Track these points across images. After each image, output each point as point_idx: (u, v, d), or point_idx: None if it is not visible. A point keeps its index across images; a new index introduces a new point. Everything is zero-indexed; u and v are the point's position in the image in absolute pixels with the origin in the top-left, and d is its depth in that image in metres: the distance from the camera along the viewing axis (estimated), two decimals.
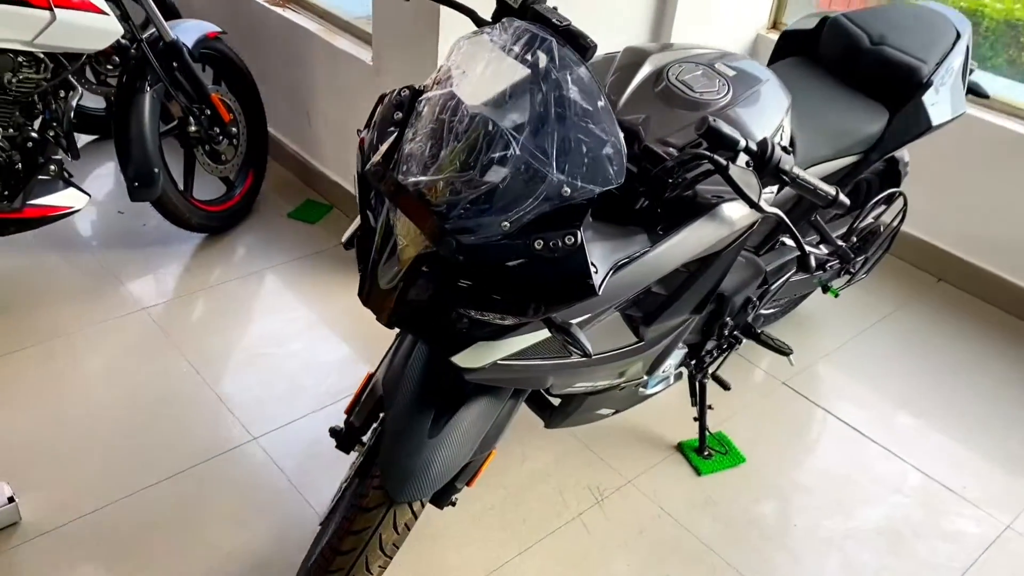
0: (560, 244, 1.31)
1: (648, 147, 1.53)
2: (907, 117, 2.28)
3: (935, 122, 2.27)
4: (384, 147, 1.41)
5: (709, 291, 1.83)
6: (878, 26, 2.36)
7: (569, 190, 1.28)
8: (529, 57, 1.36)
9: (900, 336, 3.08)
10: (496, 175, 1.29)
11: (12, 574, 1.97)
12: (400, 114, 1.43)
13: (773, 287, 2.38)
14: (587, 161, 1.31)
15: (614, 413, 2.24)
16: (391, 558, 1.70)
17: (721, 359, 2.43)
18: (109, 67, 3.08)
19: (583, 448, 2.50)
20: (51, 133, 2.70)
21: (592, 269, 1.32)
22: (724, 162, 1.49)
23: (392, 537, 1.65)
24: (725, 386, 2.44)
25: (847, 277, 2.76)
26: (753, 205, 1.52)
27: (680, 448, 2.53)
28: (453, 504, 1.77)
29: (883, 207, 2.70)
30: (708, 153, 1.51)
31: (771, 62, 2.54)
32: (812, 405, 2.75)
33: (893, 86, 2.30)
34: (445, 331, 1.42)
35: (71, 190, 2.81)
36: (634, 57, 1.82)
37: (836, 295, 2.84)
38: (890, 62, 2.28)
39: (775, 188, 1.83)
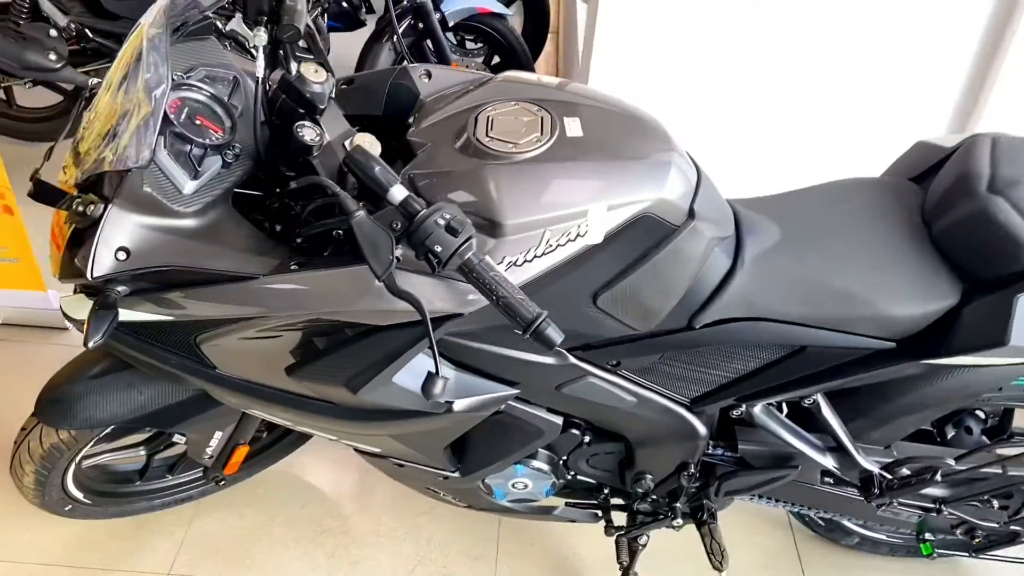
0: (83, 209, 1.18)
1: (349, 156, 1.22)
2: (980, 313, 1.37)
3: (1013, 340, 1.31)
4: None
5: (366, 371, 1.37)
6: (1018, 168, 1.43)
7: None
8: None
9: None
10: None
11: None
12: None
13: (733, 477, 1.68)
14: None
15: (463, 505, 1.85)
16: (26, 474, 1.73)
17: (641, 527, 1.81)
18: None
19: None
20: None
21: (98, 252, 1.16)
22: (353, 207, 1.14)
23: (32, 452, 1.65)
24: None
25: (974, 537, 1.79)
26: (373, 271, 1.14)
27: None
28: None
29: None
30: (325, 182, 1.18)
31: (885, 173, 1.72)
32: None
33: (983, 259, 1.39)
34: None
35: None
36: (494, 85, 1.44)
37: (929, 552, 1.86)
38: (994, 222, 1.37)
39: None
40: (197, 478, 2.01)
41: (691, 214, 1.33)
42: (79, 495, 1.83)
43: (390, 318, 1.26)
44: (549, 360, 1.44)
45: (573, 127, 1.32)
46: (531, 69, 3.37)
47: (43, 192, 1.25)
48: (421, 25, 3.05)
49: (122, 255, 1.19)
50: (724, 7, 2.35)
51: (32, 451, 1.64)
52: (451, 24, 3.12)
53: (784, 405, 1.67)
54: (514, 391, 1.49)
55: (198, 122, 1.30)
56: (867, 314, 1.40)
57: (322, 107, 1.34)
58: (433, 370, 1.16)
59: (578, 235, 1.25)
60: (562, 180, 1.26)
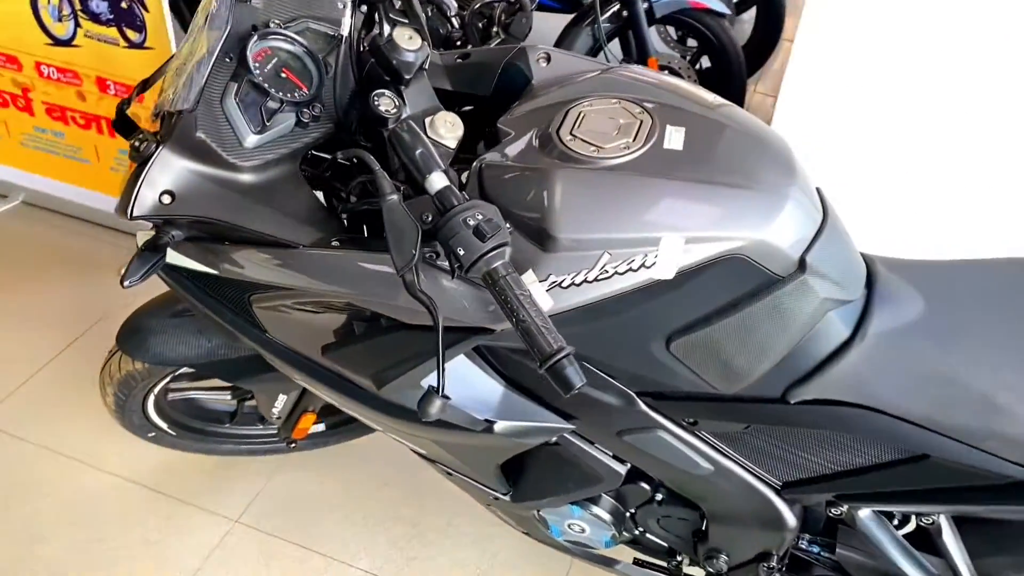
0: (139, 147, 1.16)
1: (394, 132, 1.11)
2: None
3: None
4: None
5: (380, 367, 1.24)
6: None
7: None
8: None
9: None
10: None
11: None
12: None
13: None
14: None
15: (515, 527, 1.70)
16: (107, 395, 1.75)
17: None
18: None
19: None
20: None
21: (141, 192, 1.12)
22: (388, 189, 1.04)
23: (112, 375, 1.68)
24: None
25: None
26: (394, 264, 1.02)
27: None
28: None
29: None
30: (366, 157, 1.08)
31: None
32: None
33: None
34: None
35: None
36: (604, 77, 1.27)
37: None
38: None
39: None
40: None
41: (802, 265, 1.09)
42: (163, 424, 1.86)
43: (415, 317, 1.13)
44: (613, 400, 1.25)
45: (674, 138, 1.12)
46: (742, 79, 3.08)
47: (122, 123, 1.23)
48: (626, 13, 2.87)
49: (166, 199, 1.14)
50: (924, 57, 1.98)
51: (112, 374, 1.68)
52: (658, 16, 2.91)
53: (896, 514, 1.37)
54: (568, 426, 1.32)
55: (283, 75, 1.22)
56: (1010, 433, 1.08)
57: (408, 77, 1.23)
58: (435, 385, 1.01)
59: (642, 265, 1.05)
60: (638, 198, 1.06)
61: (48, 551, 1.88)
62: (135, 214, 1.13)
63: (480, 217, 0.98)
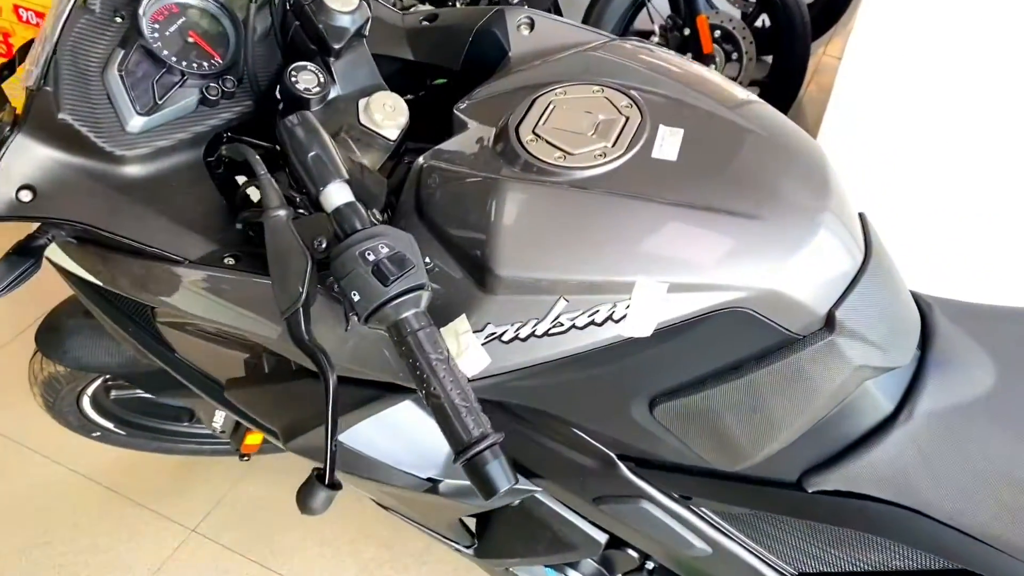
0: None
1: (283, 125, 0.85)
2: None
3: None
4: None
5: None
6: None
7: None
8: None
9: None
10: None
11: None
12: None
13: None
14: None
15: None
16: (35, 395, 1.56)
17: None
18: None
19: None
20: None
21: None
22: (274, 201, 0.81)
23: (36, 376, 1.48)
24: None
25: None
26: (280, 307, 0.78)
27: None
28: None
29: None
30: (249, 155, 0.85)
31: None
32: None
33: None
34: None
35: None
36: (594, 55, 0.99)
37: None
38: None
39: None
40: None
41: (830, 322, 0.81)
42: (107, 424, 1.66)
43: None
44: (588, 462, 1.00)
45: (668, 143, 0.84)
46: (806, 40, 2.72)
47: None
48: None
49: (26, 195, 0.90)
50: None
51: (36, 374, 1.47)
52: None
53: None
54: (533, 488, 1.07)
55: (191, 39, 0.97)
56: None
57: (337, 46, 0.97)
58: (323, 470, 0.77)
59: (609, 318, 0.78)
60: (608, 226, 0.79)
61: None
62: None
63: (384, 251, 0.72)
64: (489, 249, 0.78)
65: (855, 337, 0.81)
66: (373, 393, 0.92)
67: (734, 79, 2.51)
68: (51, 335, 1.37)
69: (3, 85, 1.02)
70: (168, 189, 0.94)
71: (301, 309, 0.76)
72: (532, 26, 1.07)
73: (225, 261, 0.91)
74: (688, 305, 0.77)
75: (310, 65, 0.96)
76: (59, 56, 0.90)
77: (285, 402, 0.98)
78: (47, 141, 0.90)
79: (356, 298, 0.72)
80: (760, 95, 0.98)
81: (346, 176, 0.77)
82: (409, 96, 1.03)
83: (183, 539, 1.76)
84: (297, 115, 0.79)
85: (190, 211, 0.94)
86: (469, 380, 0.73)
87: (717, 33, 2.67)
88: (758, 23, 2.81)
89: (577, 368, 0.84)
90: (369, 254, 0.72)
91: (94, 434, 1.67)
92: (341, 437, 1.00)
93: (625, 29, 2.70)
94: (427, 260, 0.80)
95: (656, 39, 2.66)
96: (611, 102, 0.88)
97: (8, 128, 0.90)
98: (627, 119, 0.86)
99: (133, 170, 0.93)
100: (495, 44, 1.06)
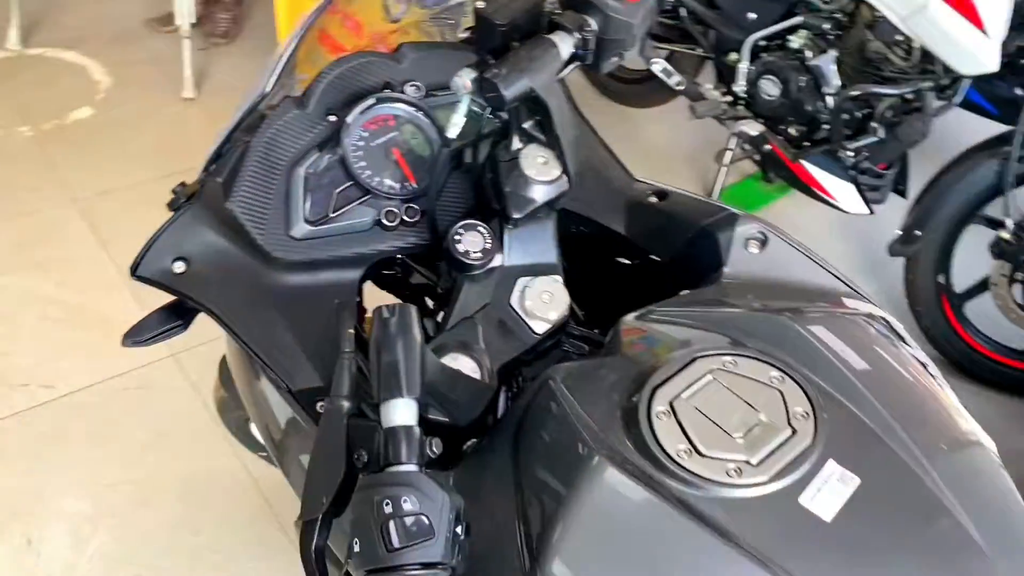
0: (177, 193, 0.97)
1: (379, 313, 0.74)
2: None
3: None
4: None
5: None
6: None
7: None
8: None
9: None
10: None
11: None
12: None
13: None
14: None
15: None
16: None
17: None
18: None
19: None
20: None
21: (152, 251, 0.89)
22: (343, 389, 0.72)
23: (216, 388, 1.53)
24: None
25: None
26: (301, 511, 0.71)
27: None
28: None
29: None
30: (343, 328, 0.77)
31: None
32: None
33: None
34: None
35: (851, 188, 2.51)
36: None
37: None
38: None
39: None
40: None
41: None
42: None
43: None
44: None
45: (828, 492, 0.62)
46: None
47: None
48: None
49: (179, 266, 0.89)
50: None
51: (216, 388, 1.53)
52: None
53: None
54: None
55: (393, 156, 0.91)
56: None
57: (517, 216, 0.86)
58: None
59: None
60: None
61: None
62: (139, 273, 0.90)
63: (407, 507, 0.60)
64: (551, 535, 0.63)
65: None
66: None
67: None
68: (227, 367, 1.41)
69: None
70: (308, 305, 0.89)
71: (320, 520, 0.66)
72: (764, 244, 0.88)
73: (319, 407, 0.83)
74: None
75: (481, 226, 0.85)
76: (253, 145, 0.88)
77: None
78: (211, 224, 0.88)
79: (356, 548, 0.60)
80: None
81: (416, 394, 0.65)
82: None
83: None
84: (396, 307, 0.68)
85: (318, 335, 0.88)
86: None
87: None
88: None
89: None
90: (387, 505, 0.60)
91: (260, 453, 1.71)
92: None
93: (974, 210, 2.31)
94: (470, 526, 0.65)
95: (1007, 234, 2.24)
96: (784, 400, 0.68)
97: (184, 199, 0.90)
98: (793, 433, 0.65)
99: (282, 275, 0.89)
100: (712, 250, 0.89)
